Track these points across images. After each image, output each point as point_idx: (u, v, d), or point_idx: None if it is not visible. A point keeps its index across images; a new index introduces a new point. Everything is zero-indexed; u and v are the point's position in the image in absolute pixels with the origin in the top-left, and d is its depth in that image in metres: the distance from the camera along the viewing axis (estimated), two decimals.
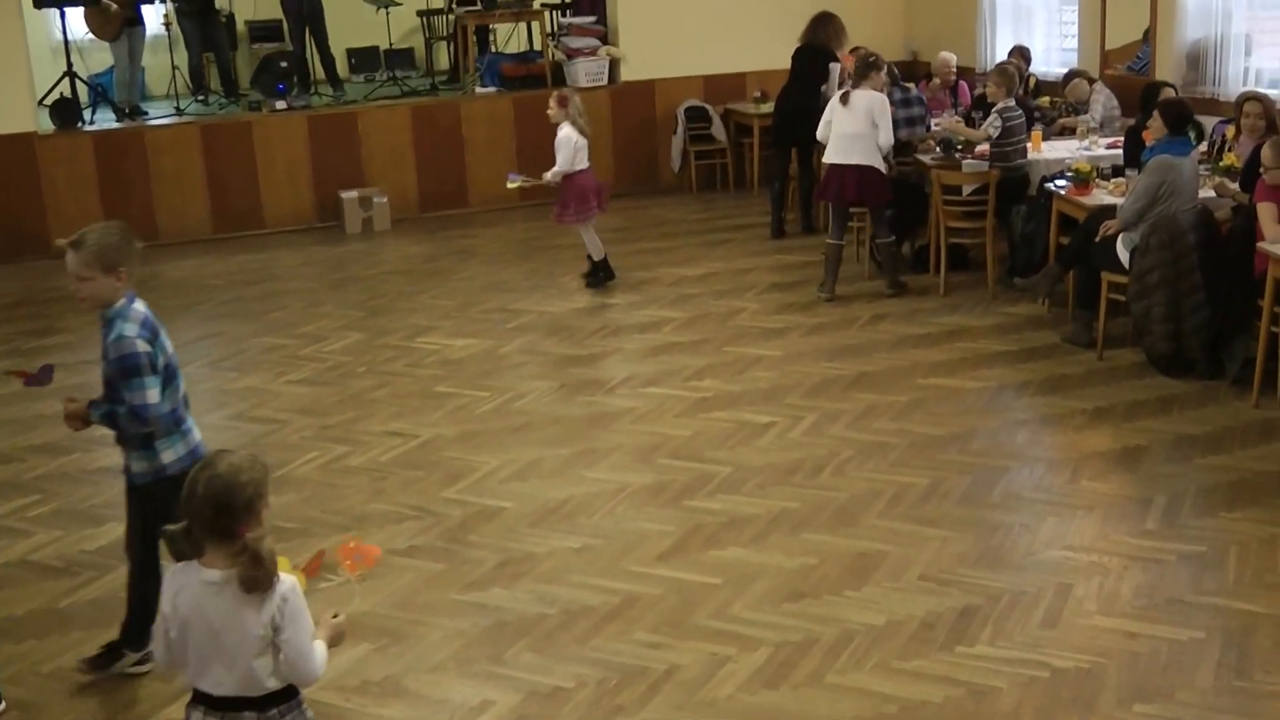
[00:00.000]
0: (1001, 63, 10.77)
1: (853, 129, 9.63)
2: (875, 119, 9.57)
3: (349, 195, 13.11)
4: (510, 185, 10.31)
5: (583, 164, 10.20)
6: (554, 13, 15.19)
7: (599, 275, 10.57)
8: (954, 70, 12.36)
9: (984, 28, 13.50)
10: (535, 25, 15.08)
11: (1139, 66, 11.48)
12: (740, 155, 14.39)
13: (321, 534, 6.24)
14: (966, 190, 9.80)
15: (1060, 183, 9.16)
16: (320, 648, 3.47)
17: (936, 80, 12.29)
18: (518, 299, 10.38)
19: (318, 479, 6.96)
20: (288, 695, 3.47)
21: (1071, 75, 11.34)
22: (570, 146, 10.11)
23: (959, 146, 10.19)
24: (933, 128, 11.04)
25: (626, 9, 14.25)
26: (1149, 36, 11.36)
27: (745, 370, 8.40)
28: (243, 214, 13.21)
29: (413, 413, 7.92)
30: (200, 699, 3.46)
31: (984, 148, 9.86)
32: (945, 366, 8.31)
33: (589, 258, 10.55)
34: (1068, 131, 10.85)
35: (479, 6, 14.55)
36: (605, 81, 14.17)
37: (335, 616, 3.65)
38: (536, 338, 9.32)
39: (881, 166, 9.69)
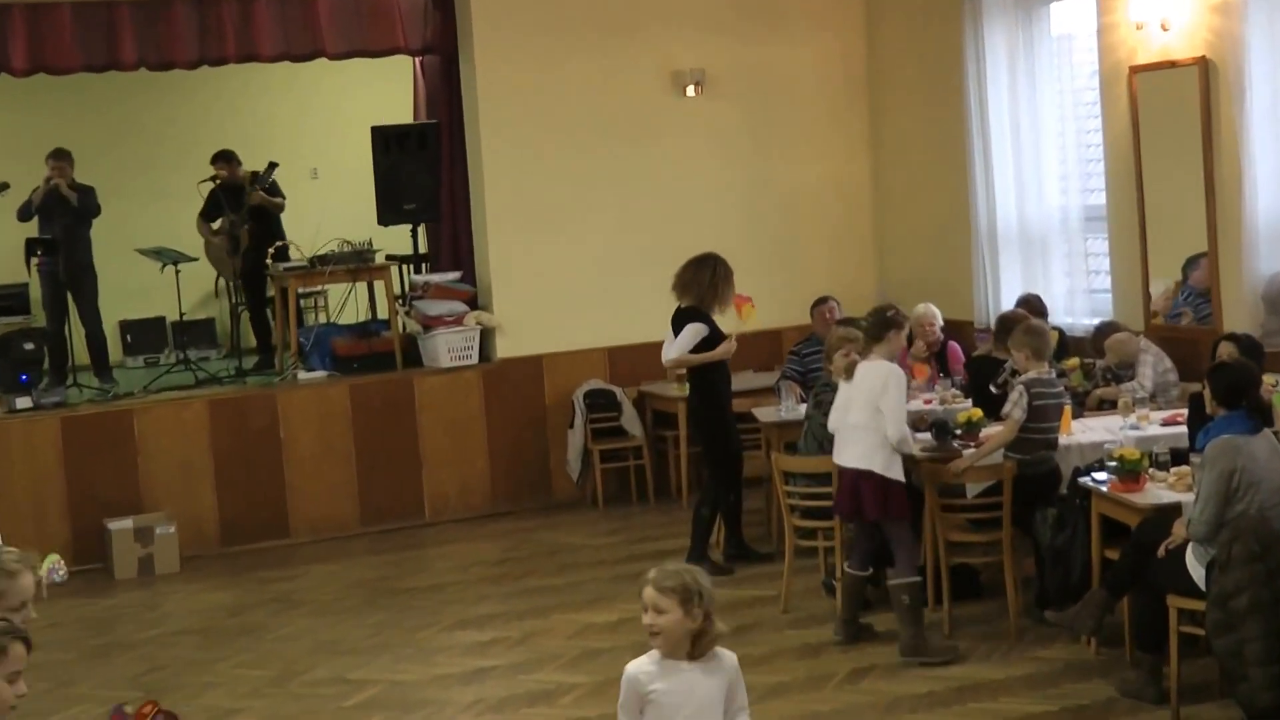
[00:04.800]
0: (1018, 316, 10.76)
1: (853, 417, 9.49)
2: (877, 401, 9.38)
3: (119, 525, 12.82)
4: None
5: None
6: (404, 268, 15.28)
7: None
8: (939, 328, 12.47)
9: (982, 269, 13.68)
10: (379, 286, 15.11)
11: (1175, 314, 11.68)
12: (662, 454, 14.38)
13: None
14: (973, 491, 9.74)
15: (1101, 476, 9.08)
16: None
17: (920, 343, 12.34)
18: (359, 664, 10.12)
19: None
20: None
21: (1108, 328, 11.41)
22: None
23: (958, 432, 10.12)
24: (921, 405, 11.06)
25: (503, 262, 14.39)
26: (1189, 276, 11.57)
27: None
28: None
29: None
30: None
31: (988, 431, 9.80)
32: None
33: None
34: (1107, 405, 10.88)
35: (304, 262, 14.54)
36: (475, 359, 14.20)
37: None
38: (386, 719, 9.03)
39: (889, 470, 9.40)
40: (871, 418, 9.36)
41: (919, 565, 9.61)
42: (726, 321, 11.79)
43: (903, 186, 15.06)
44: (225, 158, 16.03)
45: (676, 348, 11.45)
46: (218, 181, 15.82)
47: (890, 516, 9.48)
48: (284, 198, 15.93)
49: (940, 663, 9.26)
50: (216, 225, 15.90)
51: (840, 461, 9.62)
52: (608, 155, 14.53)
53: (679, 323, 11.57)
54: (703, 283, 11.47)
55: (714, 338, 11.46)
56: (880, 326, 9.63)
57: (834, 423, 9.74)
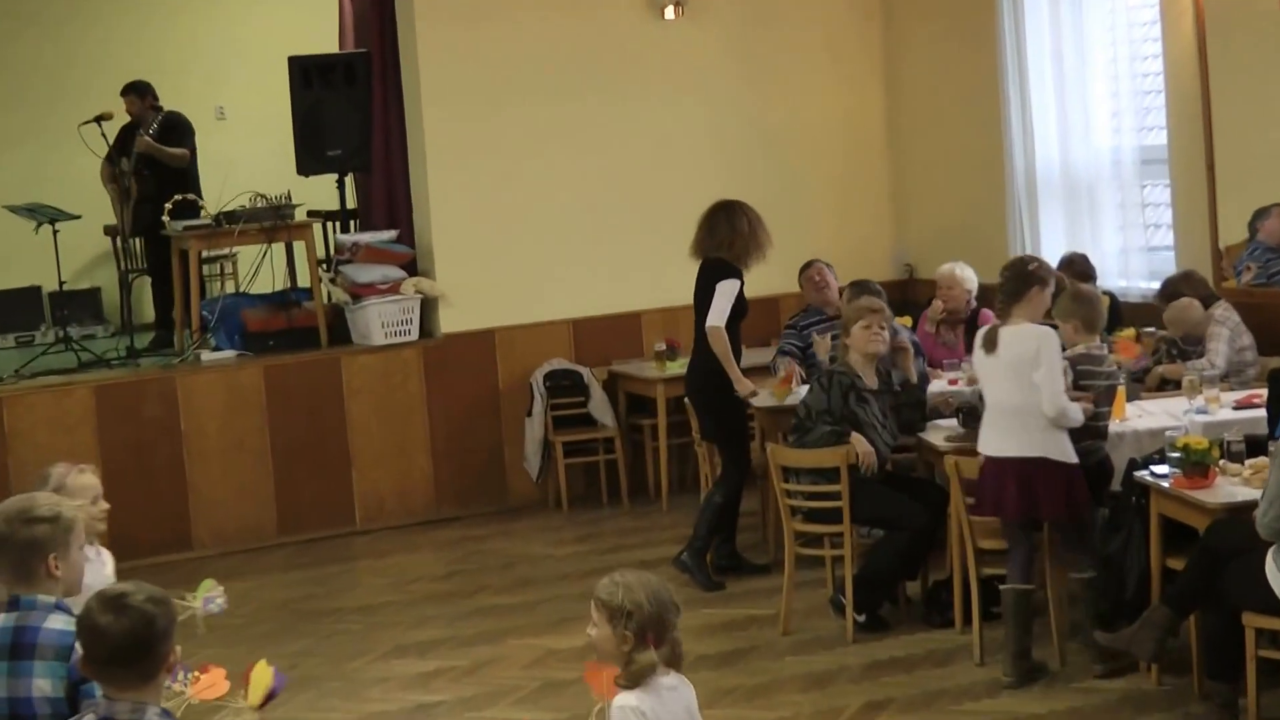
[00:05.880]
0: (1067, 279, 10.73)
1: (1004, 396, 9.31)
2: (1030, 372, 9.18)
3: None
4: None
5: None
6: (329, 227, 15.28)
7: None
8: (971, 293, 12.40)
9: (1018, 223, 13.76)
10: (299, 248, 15.07)
11: (1237, 273, 11.81)
12: (637, 446, 14.45)
13: None
14: None
15: (1162, 470, 9.01)
16: None
17: (938, 303, 12.45)
18: (277, 701, 9.66)
19: None
20: None
21: (1171, 290, 11.35)
22: None
23: None
24: (946, 386, 11.18)
25: (447, 219, 14.35)
26: (1258, 228, 11.65)
27: None
28: None
29: None
30: None
31: None
32: None
33: None
34: (1170, 385, 10.89)
35: (208, 220, 14.48)
36: (415, 335, 14.20)
37: None
38: None
39: (1062, 454, 9.25)
40: (1027, 395, 9.16)
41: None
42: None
43: (923, 126, 15.12)
44: (136, 90, 15.95)
45: (717, 312, 11.44)
46: (110, 119, 15.57)
47: (1077, 511, 9.35)
48: (186, 150, 15.76)
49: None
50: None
51: (989, 451, 9.42)
52: (571, 91, 14.48)
53: (708, 278, 11.62)
54: (742, 233, 11.55)
55: (742, 298, 11.57)
56: (1019, 282, 9.41)
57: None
